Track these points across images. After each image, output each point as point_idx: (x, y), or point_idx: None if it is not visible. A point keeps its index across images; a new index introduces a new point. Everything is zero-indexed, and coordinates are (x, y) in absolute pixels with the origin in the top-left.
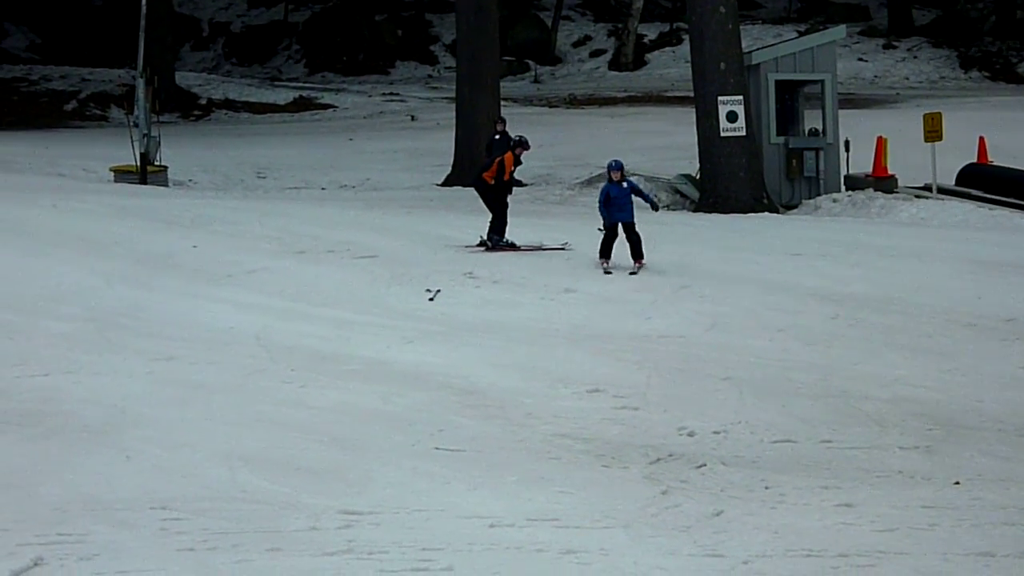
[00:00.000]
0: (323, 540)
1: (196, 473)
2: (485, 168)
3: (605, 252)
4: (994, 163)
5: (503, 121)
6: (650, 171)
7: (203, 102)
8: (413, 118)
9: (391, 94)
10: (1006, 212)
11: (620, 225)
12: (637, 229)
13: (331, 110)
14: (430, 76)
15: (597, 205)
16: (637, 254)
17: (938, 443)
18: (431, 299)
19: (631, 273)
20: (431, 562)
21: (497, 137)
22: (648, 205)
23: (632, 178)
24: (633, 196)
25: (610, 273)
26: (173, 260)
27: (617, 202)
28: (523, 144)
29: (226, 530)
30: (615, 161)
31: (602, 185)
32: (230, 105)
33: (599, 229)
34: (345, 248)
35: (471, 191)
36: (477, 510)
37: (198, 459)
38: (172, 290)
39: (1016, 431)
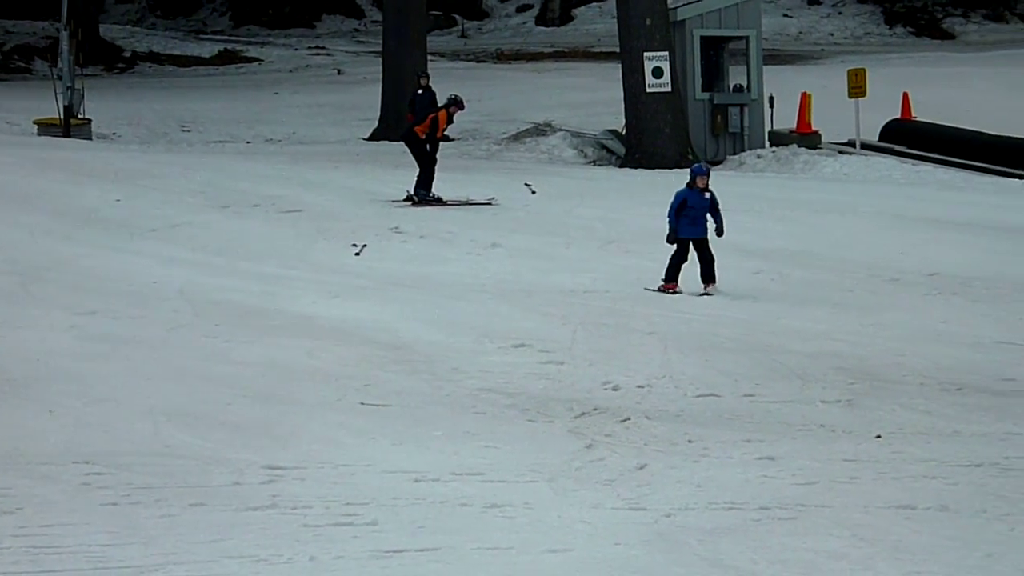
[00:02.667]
0: (247, 495)
1: (119, 428)
2: (418, 122)
3: (672, 275)
4: (918, 119)
5: (427, 76)
6: (576, 126)
7: (127, 55)
8: (339, 72)
9: (317, 48)
10: (929, 168)
11: (691, 243)
12: (711, 247)
13: (256, 63)
14: (356, 30)
15: (668, 213)
16: (709, 276)
17: (860, 397)
18: (357, 254)
19: (702, 294)
20: (356, 516)
21: (420, 92)
22: (713, 227)
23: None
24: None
25: (679, 292)
26: (97, 214)
27: (693, 214)
28: (458, 104)
29: (149, 485)
30: (702, 165)
31: (677, 190)
32: (155, 58)
33: (526, 184)
34: (271, 203)
35: (398, 146)
36: (402, 464)
37: (121, 414)
38: (96, 244)
39: (938, 385)
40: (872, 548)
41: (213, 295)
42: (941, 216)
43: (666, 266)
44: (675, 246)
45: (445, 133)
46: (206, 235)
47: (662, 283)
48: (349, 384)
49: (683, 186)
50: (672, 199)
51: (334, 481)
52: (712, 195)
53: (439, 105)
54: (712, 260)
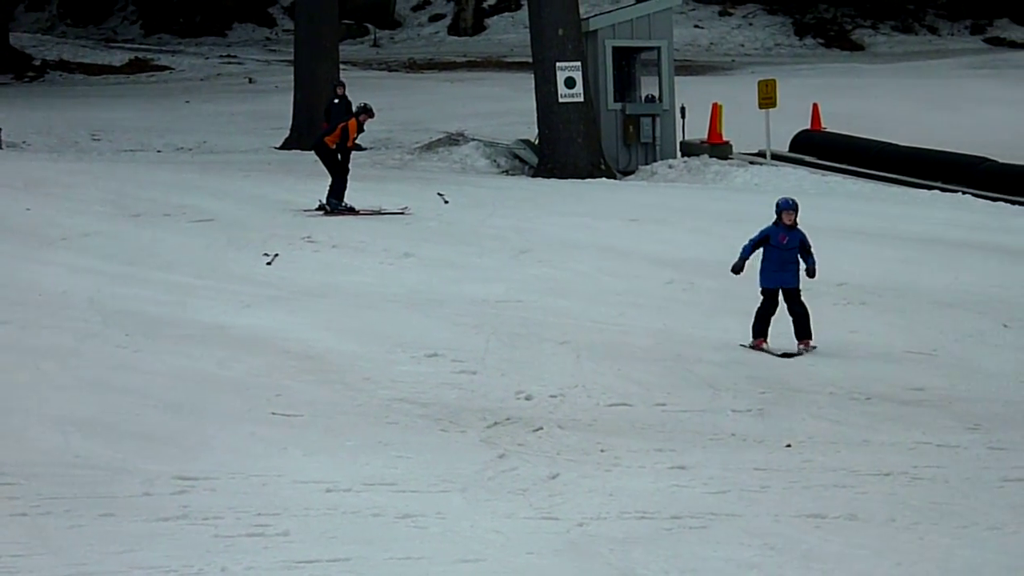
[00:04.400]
0: (157, 505)
1: (28, 438)
2: (328, 132)
3: (761, 329)
4: (827, 130)
5: (343, 85)
6: (489, 136)
7: (37, 63)
8: (251, 81)
9: (229, 56)
10: (838, 178)
11: (780, 292)
12: (803, 298)
13: (167, 72)
14: (268, 39)
15: (743, 249)
16: (804, 331)
17: (770, 406)
18: (269, 263)
19: (790, 355)
20: (267, 527)
21: (336, 101)
22: (804, 269)
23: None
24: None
25: (775, 354)
26: (6, 223)
27: (780, 257)
28: (367, 111)
29: (59, 495)
30: (790, 198)
31: (762, 228)
32: (65, 66)
33: (439, 194)
34: (181, 212)
35: (310, 155)
36: (314, 475)
37: (30, 424)
38: (4, 253)
39: (847, 395)
40: (782, 557)
41: (123, 304)
42: (850, 226)
43: (752, 319)
44: (760, 296)
45: (357, 142)
46: (116, 244)
47: (752, 341)
48: (260, 394)
49: (772, 229)
50: (752, 237)
51: (245, 491)
52: (803, 235)
53: (348, 106)
54: (805, 314)
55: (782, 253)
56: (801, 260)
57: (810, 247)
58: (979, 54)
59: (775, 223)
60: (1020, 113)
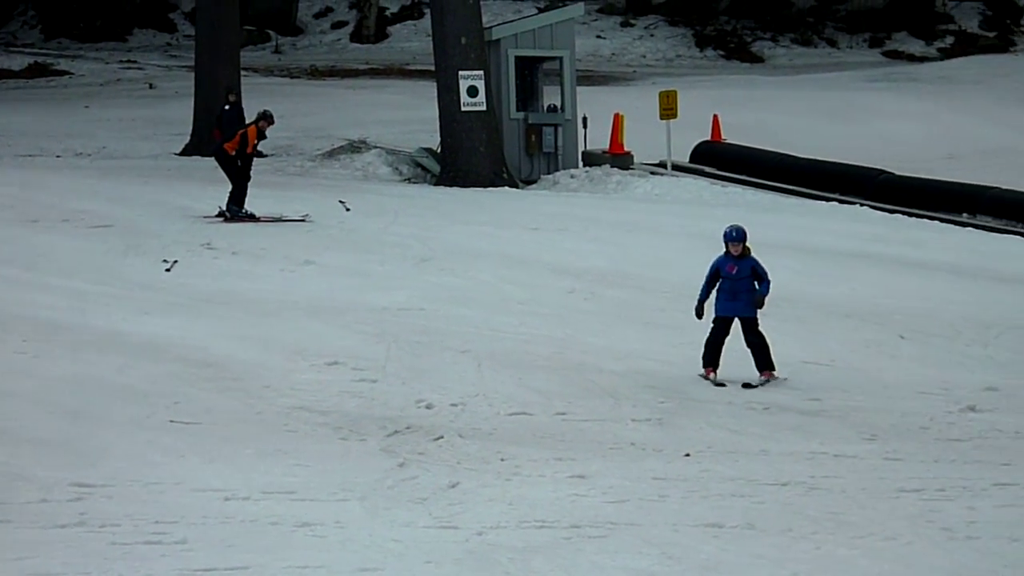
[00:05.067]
0: (54, 512)
1: None
2: (227, 139)
3: (711, 359)
4: (727, 141)
5: (235, 92)
6: (391, 144)
7: None
8: (151, 86)
9: (129, 62)
10: (738, 189)
11: (737, 320)
12: (761, 328)
13: (67, 77)
14: (169, 44)
15: (700, 291)
16: (764, 362)
17: (670, 416)
18: (168, 270)
19: (748, 385)
20: (164, 535)
21: (227, 108)
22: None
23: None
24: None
25: (723, 386)
26: None
27: (731, 287)
28: (267, 118)
29: None
30: (735, 228)
31: (712, 260)
32: None
33: (340, 201)
34: (80, 217)
35: (210, 161)
36: (212, 483)
37: None
38: None
39: (746, 404)
40: (681, 566)
41: (21, 310)
42: (750, 237)
43: (704, 348)
44: (711, 324)
45: (258, 149)
46: (14, 249)
47: (703, 370)
48: (159, 401)
49: (722, 259)
50: (708, 270)
51: (143, 499)
52: (755, 262)
53: (247, 121)
54: (763, 344)
55: (733, 283)
56: (758, 287)
57: (764, 274)
58: (877, 67)
59: (724, 253)
60: (917, 126)
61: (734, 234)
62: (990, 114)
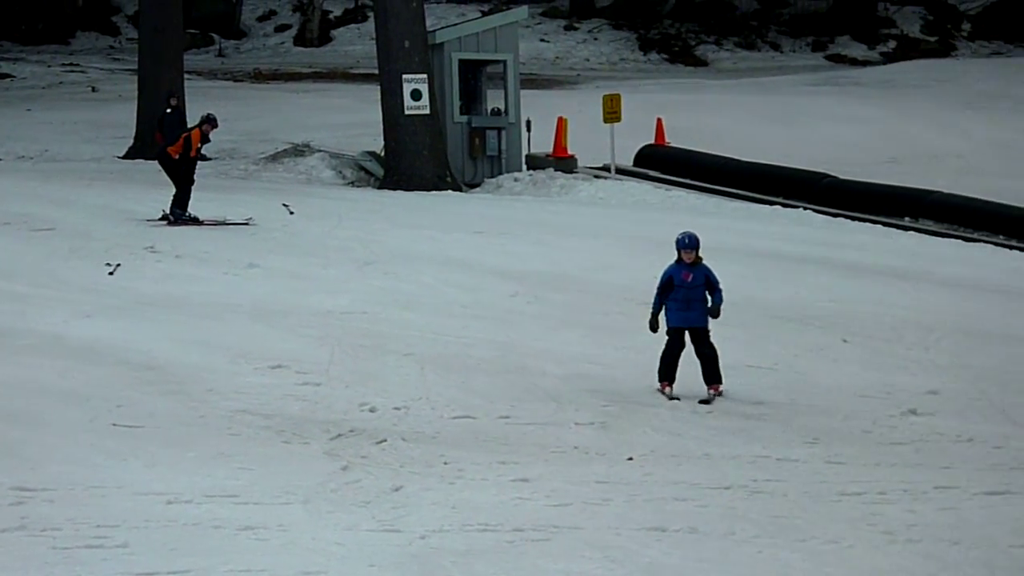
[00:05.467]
0: None
1: None
2: (170, 142)
3: (668, 373)
4: (671, 144)
5: (176, 97)
6: (335, 147)
7: None
8: (94, 89)
9: (71, 65)
10: (682, 192)
11: (687, 332)
12: (712, 339)
13: (8, 80)
14: (112, 47)
15: (653, 303)
16: (712, 376)
17: (613, 419)
18: (111, 273)
19: (702, 401)
20: (106, 539)
21: (168, 112)
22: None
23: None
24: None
25: (677, 399)
26: None
27: (685, 296)
28: (211, 121)
29: None
30: (688, 235)
31: (665, 267)
32: None
33: (284, 205)
34: (22, 220)
35: (153, 164)
36: (154, 486)
37: None
38: None
39: (689, 408)
40: (624, 569)
41: None
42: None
43: (659, 361)
44: (666, 336)
45: (202, 152)
46: None
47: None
48: (101, 405)
49: (674, 268)
50: (659, 279)
51: (84, 503)
52: (708, 271)
53: (190, 125)
54: (714, 356)
55: (687, 291)
56: (708, 297)
57: (717, 283)
58: (820, 71)
59: (676, 261)
60: (860, 129)
61: (687, 241)
62: (932, 118)
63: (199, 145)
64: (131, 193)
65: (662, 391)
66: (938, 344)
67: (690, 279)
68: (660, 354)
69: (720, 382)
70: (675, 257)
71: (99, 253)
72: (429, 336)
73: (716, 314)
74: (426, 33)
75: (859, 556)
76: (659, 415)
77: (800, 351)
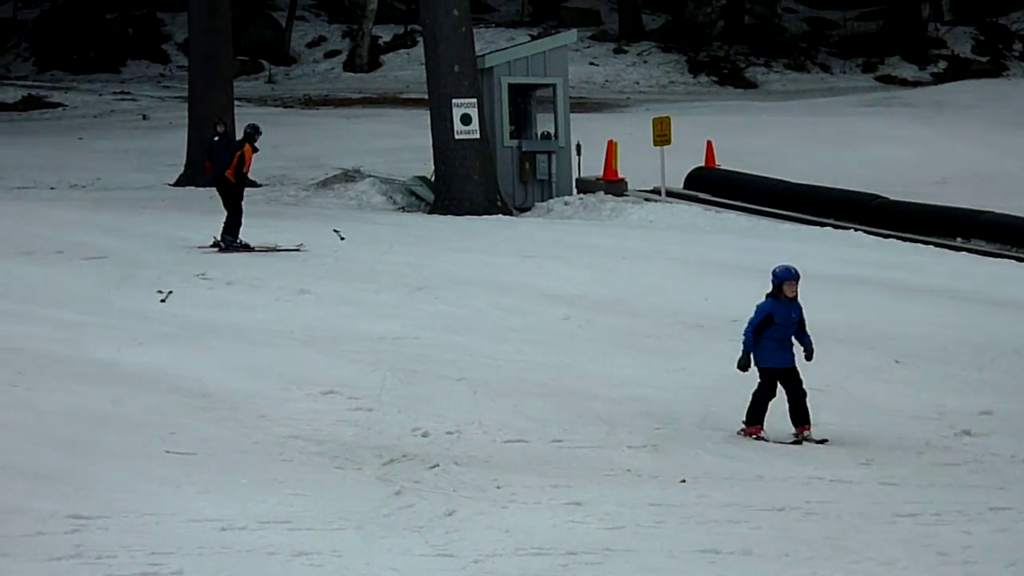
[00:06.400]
0: (50, 545)
1: None
2: (224, 167)
3: (756, 415)
4: (721, 167)
5: (223, 123)
6: (385, 173)
7: None
8: (145, 117)
9: (122, 93)
10: (732, 215)
11: (777, 374)
12: (801, 376)
13: (61, 109)
14: (162, 75)
15: (744, 332)
16: (804, 417)
17: (665, 442)
18: (163, 300)
19: (793, 442)
20: (161, 566)
21: (216, 139)
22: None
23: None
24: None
25: (765, 439)
26: None
27: (783, 335)
28: (256, 130)
29: None
30: (791, 267)
31: (759, 303)
32: None
33: (335, 230)
34: (74, 249)
35: (204, 191)
36: (208, 513)
37: None
38: None
39: (740, 430)
40: None
41: (16, 342)
42: (744, 263)
43: (748, 404)
44: (758, 378)
45: (252, 178)
46: (8, 282)
47: (743, 426)
48: (154, 432)
49: (764, 297)
50: (753, 313)
51: (139, 530)
52: (801, 309)
53: (239, 140)
54: (805, 396)
55: (785, 330)
56: (797, 340)
57: (805, 323)
58: (870, 92)
59: (773, 296)
60: (910, 150)
61: (794, 272)
62: (983, 138)
63: (251, 160)
64: (182, 220)
65: (753, 436)
66: (991, 365)
67: (793, 316)
68: (753, 396)
69: (809, 423)
70: (776, 295)
71: (151, 280)
72: (481, 360)
73: (811, 356)
74: (475, 57)
75: None
76: (711, 438)
77: (852, 372)
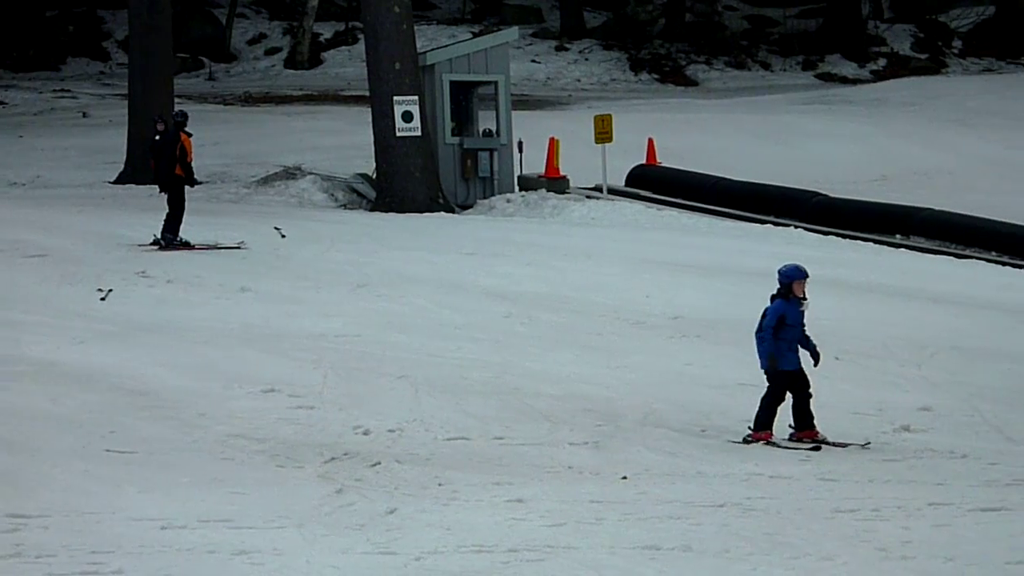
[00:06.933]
0: None
1: None
2: (170, 164)
3: (767, 422)
4: (663, 164)
5: (163, 121)
6: (327, 170)
7: None
8: (85, 115)
9: (62, 91)
10: (674, 212)
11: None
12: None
13: (0, 107)
14: (102, 73)
15: (759, 337)
16: (806, 420)
17: (607, 439)
18: (103, 299)
19: (811, 449)
20: (101, 565)
21: (157, 138)
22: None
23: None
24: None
25: (775, 443)
26: None
27: (792, 335)
28: (182, 114)
29: None
30: (799, 266)
31: (768, 305)
32: None
33: (276, 228)
34: (14, 247)
35: (145, 189)
36: (149, 512)
37: None
38: None
39: (682, 427)
40: None
41: None
42: (685, 260)
43: (759, 408)
44: (771, 382)
45: (195, 178)
46: None
47: (750, 431)
48: (94, 431)
49: (774, 299)
50: (764, 316)
51: (79, 529)
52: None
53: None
54: (811, 397)
55: (796, 331)
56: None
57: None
58: (810, 89)
59: (782, 295)
60: (850, 148)
61: (805, 271)
62: (922, 135)
63: (191, 148)
64: (122, 218)
65: (764, 441)
66: (930, 361)
67: (803, 318)
68: (762, 402)
69: (814, 428)
70: (785, 295)
71: (91, 279)
72: (423, 358)
73: (819, 359)
74: (417, 55)
75: (853, 573)
76: (652, 434)
77: None
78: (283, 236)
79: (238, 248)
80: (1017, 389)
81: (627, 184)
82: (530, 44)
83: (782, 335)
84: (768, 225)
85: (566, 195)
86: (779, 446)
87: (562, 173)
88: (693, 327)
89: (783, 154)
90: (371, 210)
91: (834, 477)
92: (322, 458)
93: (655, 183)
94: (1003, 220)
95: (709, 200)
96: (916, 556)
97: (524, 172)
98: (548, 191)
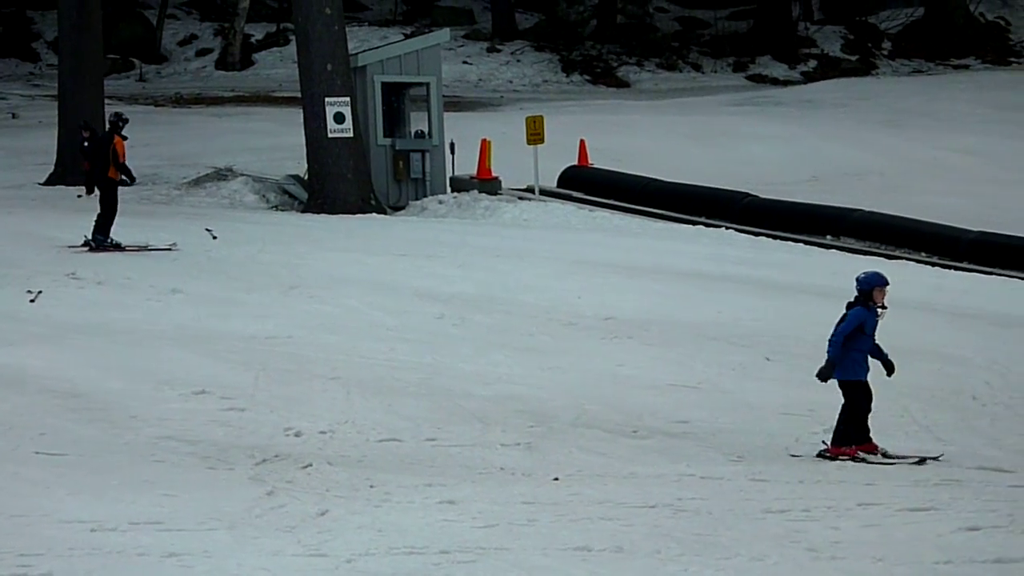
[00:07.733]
0: None
1: None
2: (105, 166)
3: (863, 431)
4: (594, 165)
5: (89, 128)
6: (258, 171)
7: None
8: (14, 116)
9: None
10: (605, 213)
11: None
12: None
13: None
14: (32, 74)
15: (832, 342)
16: (848, 435)
17: (539, 440)
18: (32, 300)
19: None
20: (30, 568)
21: (86, 144)
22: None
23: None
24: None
25: (886, 457)
26: None
27: (867, 346)
28: (120, 117)
29: None
30: (880, 273)
31: (850, 310)
32: None
33: (207, 230)
34: None
35: (75, 190)
36: (78, 514)
37: None
38: None
39: (614, 427)
40: None
41: None
42: (616, 261)
43: (839, 423)
44: (842, 397)
45: (133, 175)
46: None
47: (828, 447)
48: (24, 433)
49: (850, 307)
50: (841, 322)
51: (8, 532)
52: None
53: (106, 133)
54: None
55: (870, 340)
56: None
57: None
58: (741, 91)
59: (860, 303)
60: (781, 149)
61: (885, 278)
62: (853, 137)
63: (124, 150)
64: (52, 220)
65: (868, 454)
66: None
67: (875, 324)
68: (849, 415)
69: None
70: (866, 302)
71: (20, 280)
72: (355, 360)
73: (892, 370)
74: (348, 56)
75: (784, 573)
76: (584, 435)
77: (724, 370)
78: (215, 238)
79: (169, 250)
80: (946, 389)
81: (559, 185)
82: (462, 46)
83: (859, 344)
84: (699, 226)
85: (498, 196)
86: (888, 455)
87: (494, 174)
88: (625, 328)
89: (714, 155)
90: (303, 211)
91: (764, 478)
92: (253, 460)
93: (587, 184)
94: (933, 221)
95: (640, 201)
96: (846, 556)
97: (456, 173)
98: (480, 192)
